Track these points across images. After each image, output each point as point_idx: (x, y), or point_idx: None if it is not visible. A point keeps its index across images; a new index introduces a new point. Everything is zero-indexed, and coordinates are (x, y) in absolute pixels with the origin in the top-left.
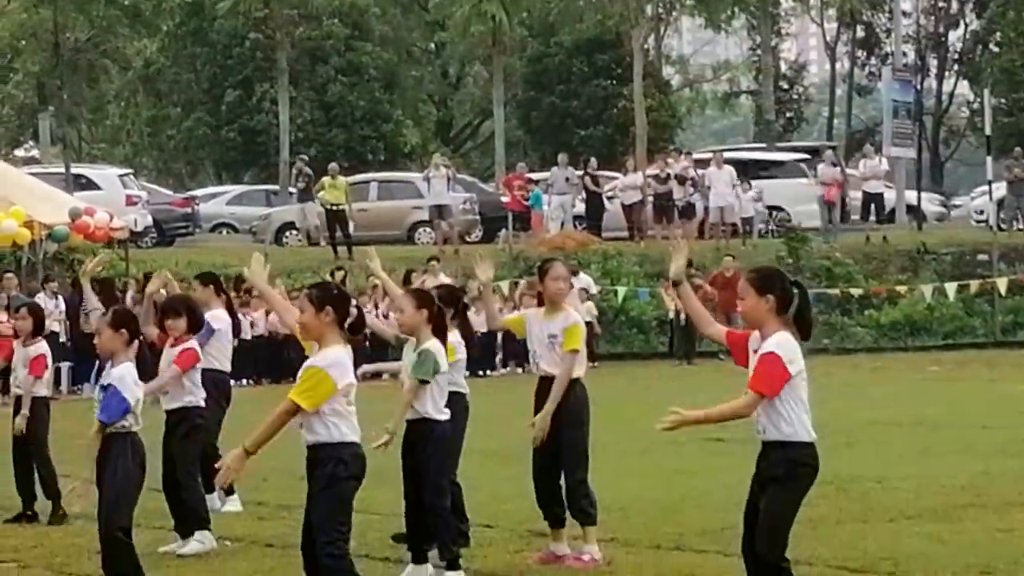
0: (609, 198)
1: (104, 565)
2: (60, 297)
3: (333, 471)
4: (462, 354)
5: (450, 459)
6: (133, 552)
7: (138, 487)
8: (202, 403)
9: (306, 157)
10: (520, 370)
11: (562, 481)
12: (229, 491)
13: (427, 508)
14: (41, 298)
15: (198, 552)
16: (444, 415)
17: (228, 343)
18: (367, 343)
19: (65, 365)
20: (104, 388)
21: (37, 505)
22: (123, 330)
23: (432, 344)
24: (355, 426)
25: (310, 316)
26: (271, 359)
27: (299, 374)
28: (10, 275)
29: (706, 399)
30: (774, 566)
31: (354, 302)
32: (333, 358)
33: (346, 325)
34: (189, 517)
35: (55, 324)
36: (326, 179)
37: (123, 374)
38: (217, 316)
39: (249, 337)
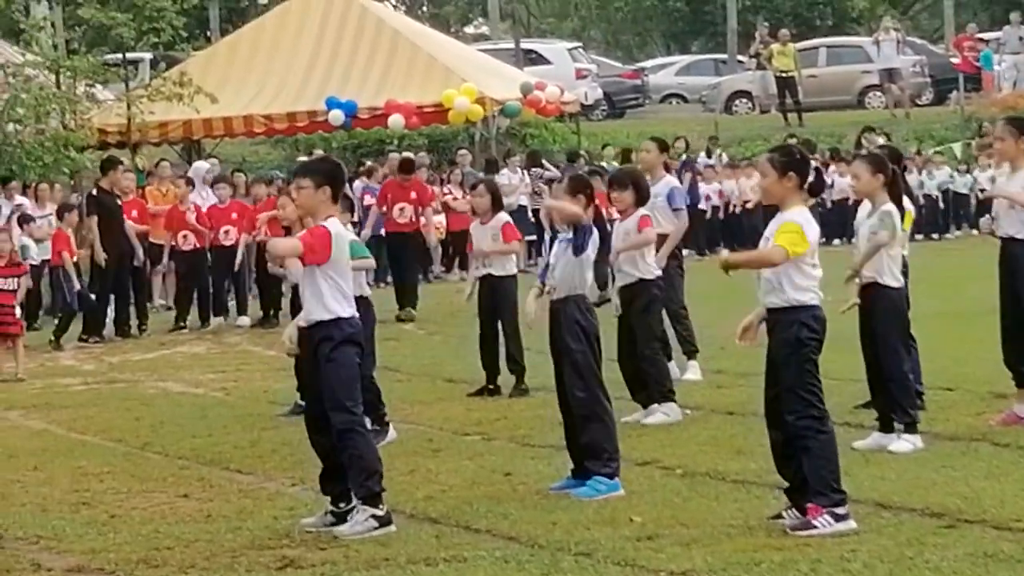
0: None
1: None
2: (521, 170)
3: (796, 335)
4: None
5: (903, 322)
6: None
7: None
8: (657, 274)
9: (767, 24)
10: (975, 231)
11: None
12: (691, 356)
13: (885, 373)
14: (505, 173)
15: (663, 423)
16: (898, 281)
17: (679, 208)
18: None
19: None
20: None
21: (500, 379)
22: (580, 195)
23: (890, 206)
24: (816, 290)
25: (772, 181)
26: (723, 229)
27: (779, 226)
28: (463, 151)
29: None
30: None
31: (814, 164)
32: (805, 216)
33: (806, 186)
34: (653, 390)
35: (522, 198)
36: (775, 46)
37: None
38: (669, 182)
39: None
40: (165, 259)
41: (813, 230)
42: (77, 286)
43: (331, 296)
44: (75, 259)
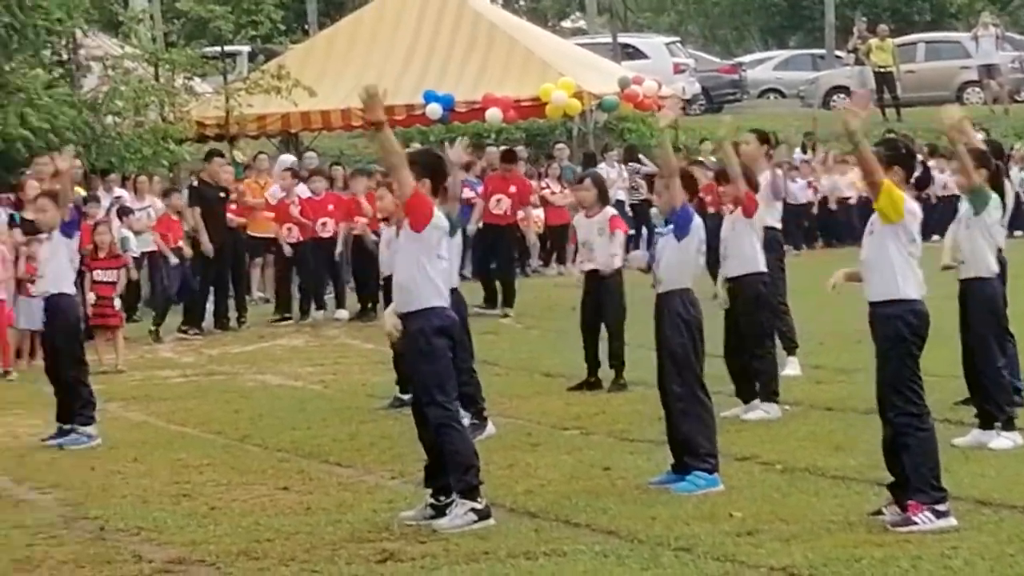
0: None
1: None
2: (619, 165)
3: (897, 330)
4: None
5: (999, 318)
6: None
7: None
8: (764, 267)
9: (866, 19)
10: None
11: None
12: (791, 351)
13: (977, 368)
14: (602, 167)
15: (762, 419)
16: (995, 272)
17: (778, 200)
18: None
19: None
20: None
21: (600, 372)
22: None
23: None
24: (920, 282)
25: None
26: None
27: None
28: (561, 146)
29: None
30: None
31: (920, 158)
32: (911, 205)
33: (912, 181)
34: (760, 388)
35: (619, 192)
36: (874, 41)
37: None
38: (767, 175)
39: (802, 202)
40: (287, 250)
41: (916, 215)
42: (175, 260)
43: (422, 285)
44: (177, 244)
